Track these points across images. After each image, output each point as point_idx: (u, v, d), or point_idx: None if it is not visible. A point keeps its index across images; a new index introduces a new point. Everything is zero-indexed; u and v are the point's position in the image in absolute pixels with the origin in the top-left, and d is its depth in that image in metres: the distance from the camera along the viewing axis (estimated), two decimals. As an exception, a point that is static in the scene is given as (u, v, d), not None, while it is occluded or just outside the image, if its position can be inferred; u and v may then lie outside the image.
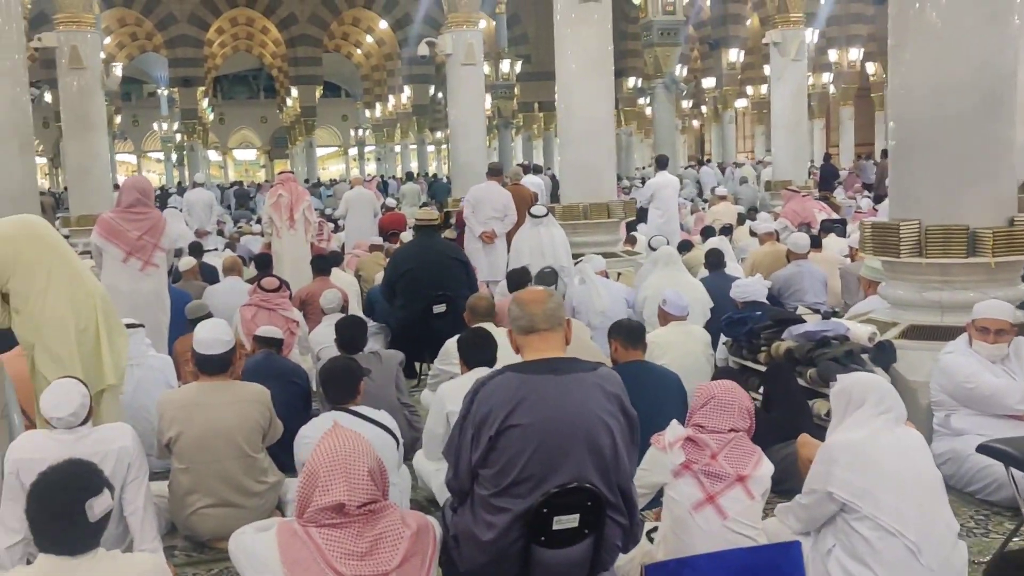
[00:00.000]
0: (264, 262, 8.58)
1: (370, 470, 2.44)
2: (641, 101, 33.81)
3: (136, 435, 3.62)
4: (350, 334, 4.88)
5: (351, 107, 45.72)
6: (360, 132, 42.86)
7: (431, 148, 38.89)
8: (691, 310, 5.74)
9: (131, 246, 6.15)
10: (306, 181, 25.84)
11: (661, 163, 11.21)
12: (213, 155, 42.33)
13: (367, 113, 39.37)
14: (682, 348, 5.24)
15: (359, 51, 37.71)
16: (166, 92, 33.61)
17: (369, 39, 35.59)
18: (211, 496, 3.85)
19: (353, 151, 45.36)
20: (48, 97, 23.44)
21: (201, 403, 3.80)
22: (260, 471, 3.90)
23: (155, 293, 6.20)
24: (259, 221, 16.67)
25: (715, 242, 8.75)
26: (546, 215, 7.99)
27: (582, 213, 9.17)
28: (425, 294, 6.24)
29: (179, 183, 31.24)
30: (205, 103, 32.29)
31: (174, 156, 35.04)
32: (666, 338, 5.26)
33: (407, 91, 32.40)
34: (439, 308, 6.23)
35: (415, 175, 23.66)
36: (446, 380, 5.30)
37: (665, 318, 5.49)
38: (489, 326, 4.93)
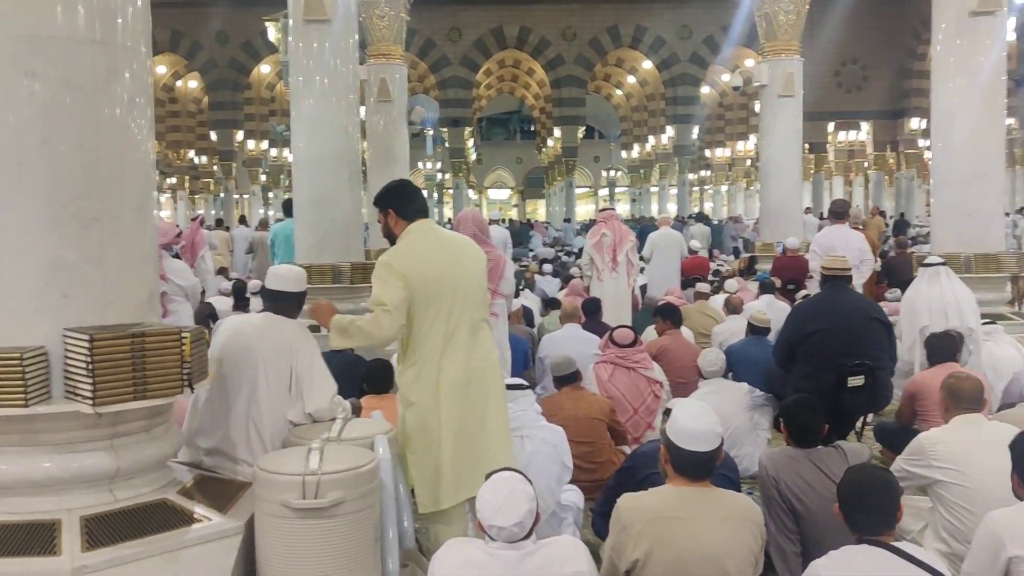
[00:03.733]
0: (594, 307, 7.65)
1: None
2: (921, 143, 31.10)
3: (591, 558, 2.65)
4: (806, 421, 3.69)
5: (604, 148, 45.66)
6: (612, 173, 42.42)
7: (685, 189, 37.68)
8: None
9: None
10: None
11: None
12: (470, 194, 43.16)
13: (623, 154, 38.76)
14: None
15: (619, 92, 37.21)
16: (431, 132, 34.57)
17: (631, 79, 34.96)
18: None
19: (604, 192, 45.03)
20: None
21: (681, 517, 2.76)
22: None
23: (497, 344, 5.37)
24: (539, 260, 16.07)
25: None
26: (943, 264, 6.55)
27: (963, 265, 7.61)
28: (837, 362, 4.97)
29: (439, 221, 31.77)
30: (471, 143, 32.75)
31: (435, 194, 35.97)
32: None
33: (669, 131, 31.34)
34: (855, 381, 4.93)
35: (706, 216, 22.36)
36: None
37: None
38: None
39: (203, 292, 10.81)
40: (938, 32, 7.95)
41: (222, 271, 14.15)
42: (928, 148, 33.64)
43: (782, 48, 12.30)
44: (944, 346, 5.30)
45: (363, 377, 5.15)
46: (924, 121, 30.24)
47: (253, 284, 10.10)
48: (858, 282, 7.83)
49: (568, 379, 5.04)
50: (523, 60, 32.17)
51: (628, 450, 5.28)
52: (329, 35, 7.62)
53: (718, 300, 9.54)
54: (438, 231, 3.76)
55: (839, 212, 8.63)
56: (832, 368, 4.97)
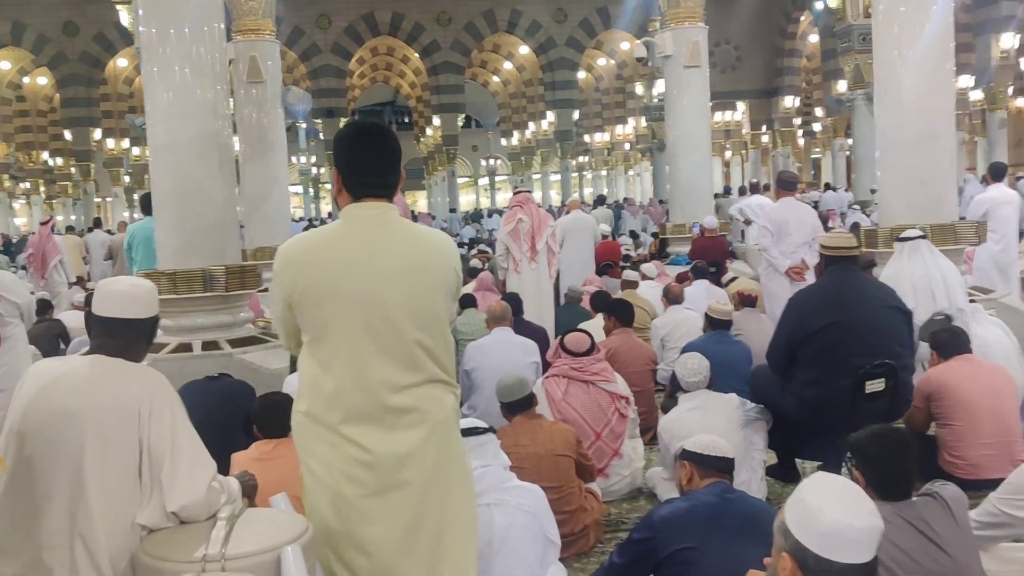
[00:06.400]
0: (516, 305, 6.50)
1: None
2: (795, 122, 31.42)
3: None
4: (894, 463, 2.63)
5: (482, 137, 45.28)
6: (492, 162, 41.83)
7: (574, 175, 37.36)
8: None
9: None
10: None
11: (997, 173, 8.67)
12: (347, 189, 41.63)
13: (503, 142, 38.08)
14: None
15: (496, 79, 36.46)
16: (304, 125, 32.92)
17: (508, 65, 34.20)
18: None
19: (484, 181, 44.50)
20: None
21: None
22: None
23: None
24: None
25: None
26: (923, 237, 5.73)
27: (917, 238, 6.86)
28: (853, 363, 4.01)
29: (319, 217, 30.45)
30: (346, 134, 31.24)
31: (311, 190, 34.63)
32: None
33: (550, 116, 30.67)
34: (875, 385, 3.98)
35: (605, 199, 21.76)
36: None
37: None
38: None
39: (52, 308, 9.29)
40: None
41: (79, 281, 12.62)
42: (800, 127, 34.25)
43: (685, 16, 11.46)
44: (957, 335, 4.42)
45: (254, 418, 3.84)
46: (797, 100, 30.73)
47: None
48: (812, 262, 6.98)
49: (521, 406, 3.87)
50: (397, 47, 30.98)
51: (596, 488, 4.23)
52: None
53: (644, 288, 8.63)
54: (386, 225, 2.38)
55: (786, 183, 7.68)
56: (847, 371, 3.99)
